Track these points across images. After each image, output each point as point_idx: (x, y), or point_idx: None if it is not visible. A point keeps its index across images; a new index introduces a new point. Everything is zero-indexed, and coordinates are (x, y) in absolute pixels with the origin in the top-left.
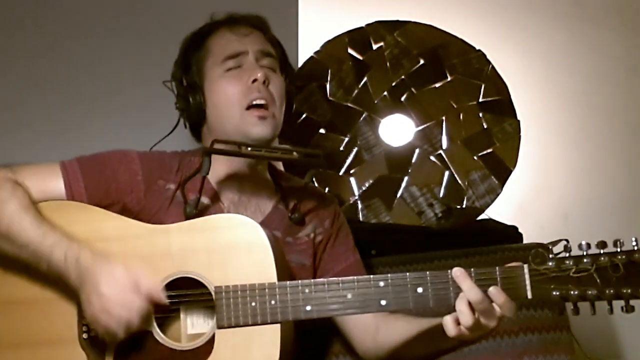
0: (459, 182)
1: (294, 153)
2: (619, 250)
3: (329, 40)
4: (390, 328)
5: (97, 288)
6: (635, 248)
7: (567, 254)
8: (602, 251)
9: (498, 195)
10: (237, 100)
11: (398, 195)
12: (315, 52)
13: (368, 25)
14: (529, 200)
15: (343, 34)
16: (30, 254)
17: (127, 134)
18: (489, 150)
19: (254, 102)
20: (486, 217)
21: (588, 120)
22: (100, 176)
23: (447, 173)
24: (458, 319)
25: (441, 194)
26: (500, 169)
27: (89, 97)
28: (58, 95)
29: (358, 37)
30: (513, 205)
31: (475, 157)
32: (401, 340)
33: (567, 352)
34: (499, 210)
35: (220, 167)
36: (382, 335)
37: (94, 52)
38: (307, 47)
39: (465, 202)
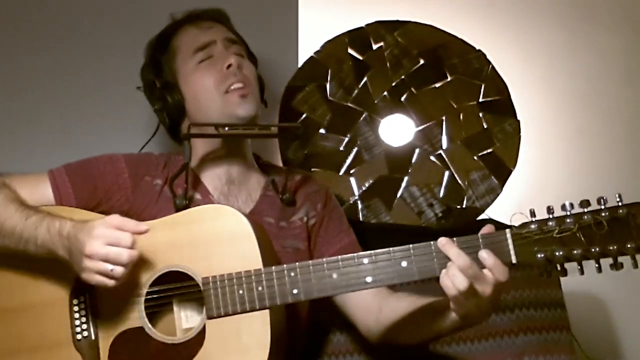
0: (459, 182)
1: (272, 128)
2: (602, 207)
3: (329, 40)
4: (393, 308)
5: (83, 246)
6: (619, 204)
7: (550, 216)
8: (585, 210)
9: (498, 195)
10: (215, 88)
11: (398, 195)
12: (315, 52)
13: (368, 25)
14: (529, 200)
15: (343, 34)
16: (18, 237)
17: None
18: (489, 150)
19: (233, 87)
20: (486, 217)
21: (588, 120)
22: (87, 177)
23: (447, 173)
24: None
25: (441, 194)
26: (500, 169)
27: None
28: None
29: (358, 37)
30: (513, 205)
31: (475, 157)
32: (403, 320)
33: (567, 352)
34: (499, 210)
35: (201, 156)
36: (384, 315)
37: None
38: (307, 47)
39: (465, 202)
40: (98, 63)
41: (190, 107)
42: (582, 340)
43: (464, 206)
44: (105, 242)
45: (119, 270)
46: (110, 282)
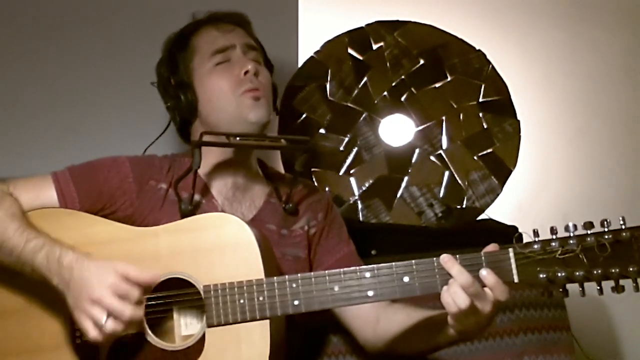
0: (459, 182)
1: (282, 140)
2: (605, 230)
3: (329, 40)
4: (390, 319)
5: (91, 289)
6: (623, 227)
7: (553, 236)
8: (588, 232)
9: (498, 195)
10: (231, 92)
11: (398, 195)
12: (315, 52)
13: (368, 25)
14: (529, 200)
15: (343, 34)
16: (15, 259)
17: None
18: (489, 150)
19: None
20: (486, 217)
21: (588, 120)
22: (92, 181)
23: (447, 173)
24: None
25: (441, 194)
26: (500, 169)
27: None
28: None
29: (358, 37)
30: (513, 205)
31: (475, 157)
32: (401, 332)
33: (567, 352)
34: (499, 210)
35: (210, 163)
36: (382, 326)
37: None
38: (307, 47)
39: (465, 202)
40: (107, 59)
41: (203, 108)
42: (582, 340)
43: (464, 206)
44: (115, 292)
45: (109, 326)
46: (94, 333)
